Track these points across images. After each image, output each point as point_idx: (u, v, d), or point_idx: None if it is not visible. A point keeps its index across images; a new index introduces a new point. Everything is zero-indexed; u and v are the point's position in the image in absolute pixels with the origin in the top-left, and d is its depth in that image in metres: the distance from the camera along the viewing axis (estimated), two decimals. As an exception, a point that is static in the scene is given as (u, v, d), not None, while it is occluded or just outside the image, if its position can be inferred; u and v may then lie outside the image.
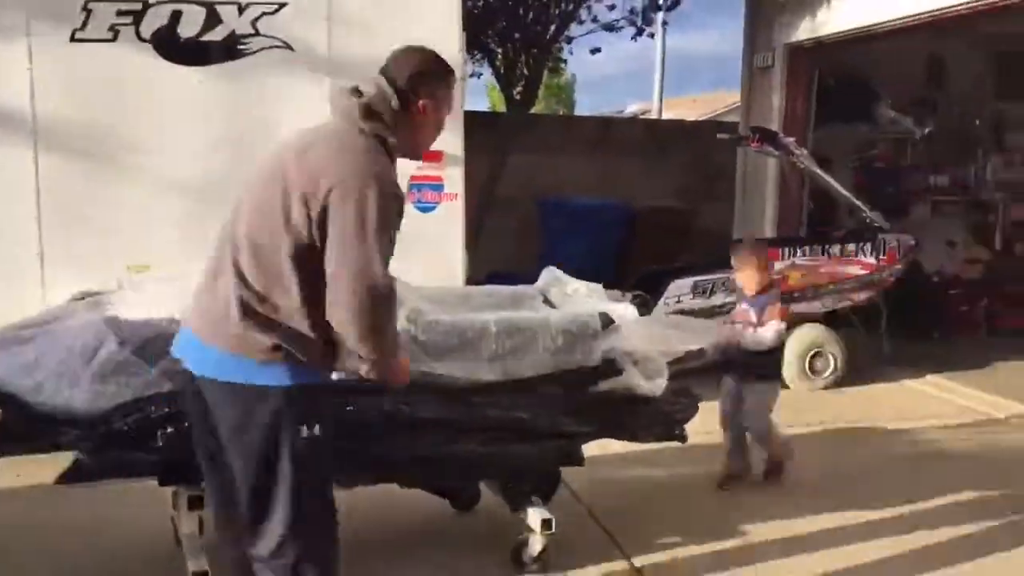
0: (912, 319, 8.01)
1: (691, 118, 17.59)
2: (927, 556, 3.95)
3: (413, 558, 3.84)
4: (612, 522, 4.21)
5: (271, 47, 5.25)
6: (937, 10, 7.05)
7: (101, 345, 3.13)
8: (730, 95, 16.04)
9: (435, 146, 5.48)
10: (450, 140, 5.56)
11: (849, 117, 9.30)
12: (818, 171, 7.35)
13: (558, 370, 3.65)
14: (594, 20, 10.18)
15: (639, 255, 9.41)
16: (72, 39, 4.93)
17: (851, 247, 7.07)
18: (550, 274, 4.29)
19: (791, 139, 7.18)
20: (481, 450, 3.56)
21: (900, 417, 6.17)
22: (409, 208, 5.40)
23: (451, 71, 2.79)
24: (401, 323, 3.45)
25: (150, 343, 3.17)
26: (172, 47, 5.09)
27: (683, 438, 3.92)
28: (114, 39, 5.00)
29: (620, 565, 3.86)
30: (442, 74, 2.74)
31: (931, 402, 6.72)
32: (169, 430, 3.10)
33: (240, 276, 2.50)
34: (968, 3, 6.81)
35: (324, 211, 2.42)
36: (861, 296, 7.12)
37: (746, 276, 4.82)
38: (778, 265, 6.91)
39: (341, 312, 2.42)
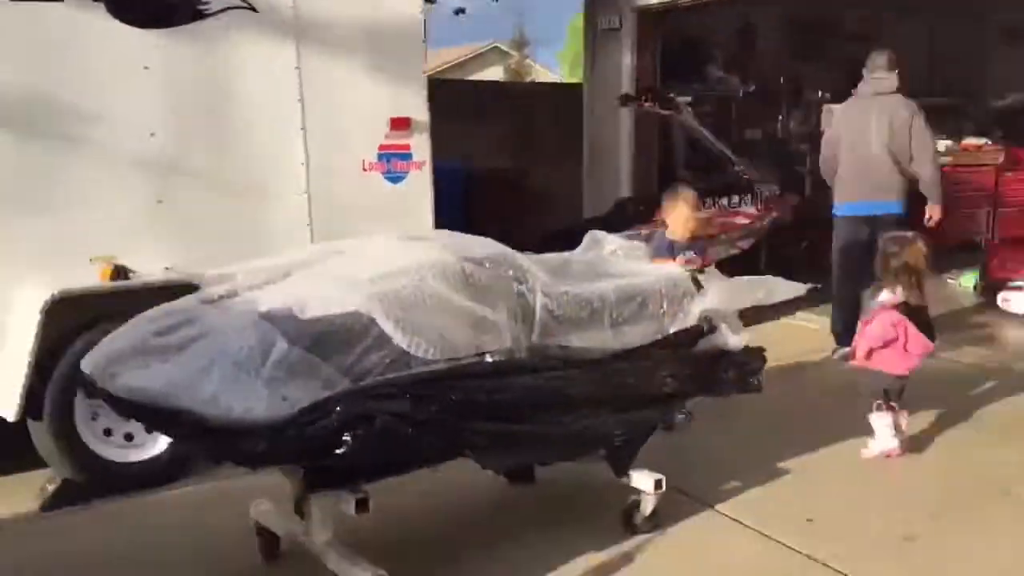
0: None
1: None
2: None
3: (527, 538, 3.79)
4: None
5: (233, 7, 4.77)
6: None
7: (271, 346, 2.80)
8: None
9: (401, 112, 5.46)
10: (415, 105, 5.40)
11: (686, 77, 9.90)
12: (699, 128, 7.81)
13: (669, 332, 3.74)
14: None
15: (478, 216, 9.53)
16: (12, -2, 4.21)
17: (735, 199, 7.61)
18: (591, 237, 4.31)
19: (683, 98, 7.57)
20: (614, 419, 3.57)
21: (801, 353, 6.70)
22: (378, 179, 5.36)
23: None
24: (538, 297, 3.39)
25: (321, 340, 2.89)
26: (126, 7, 4.48)
27: (759, 388, 4.14)
28: (61, -2, 4.33)
29: (709, 514, 4.04)
30: None
31: (812, 335, 7.39)
32: (356, 432, 2.84)
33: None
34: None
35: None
36: (746, 244, 7.70)
37: (680, 221, 4.95)
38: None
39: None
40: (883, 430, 4.55)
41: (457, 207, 9.84)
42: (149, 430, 3.67)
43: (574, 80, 15.75)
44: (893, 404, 4.61)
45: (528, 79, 31.30)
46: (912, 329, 4.55)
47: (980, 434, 5.01)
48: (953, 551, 3.67)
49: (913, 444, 4.80)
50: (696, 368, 3.85)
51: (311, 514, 3.22)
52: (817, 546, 3.70)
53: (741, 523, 3.93)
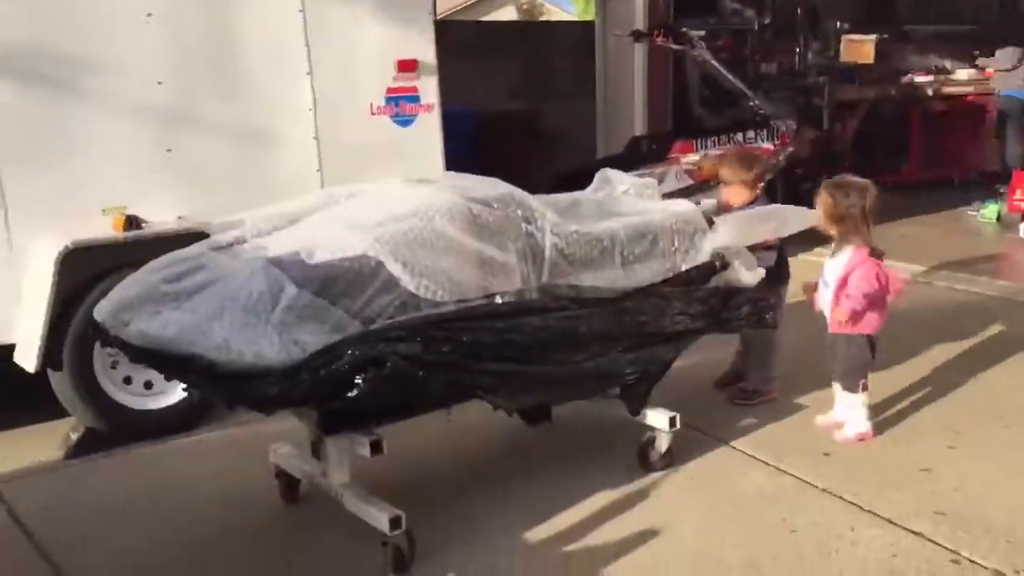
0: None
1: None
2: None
3: (541, 477, 3.82)
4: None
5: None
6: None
7: (280, 291, 2.80)
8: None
9: (408, 54, 5.39)
10: (422, 47, 5.33)
11: (699, 11, 9.69)
12: (713, 63, 7.68)
13: (680, 270, 3.72)
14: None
15: (491, 161, 9.46)
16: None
17: (752, 134, 7.50)
18: (602, 176, 4.26)
19: (696, 33, 7.42)
20: (626, 357, 3.57)
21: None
22: (387, 122, 5.31)
23: None
24: (547, 236, 3.37)
25: (330, 283, 2.88)
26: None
27: (775, 324, 4.12)
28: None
29: (725, 450, 4.05)
30: None
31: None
32: (367, 374, 2.85)
33: None
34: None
35: None
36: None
37: (733, 191, 4.38)
38: (693, 156, 7.26)
39: None
40: (860, 411, 4.10)
41: (468, 150, 9.79)
42: (166, 377, 3.70)
43: (587, 18, 15.52)
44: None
45: (541, 19, 30.83)
46: (892, 273, 4.10)
47: (999, 362, 4.97)
48: (971, 481, 3.67)
49: (934, 373, 4.79)
50: (709, 304, 3.83)
51: (327, 456, 3.25)
52: (834, 479, 3.71)
53: (756, 458, 3.95)
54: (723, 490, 3.70)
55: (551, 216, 3.44)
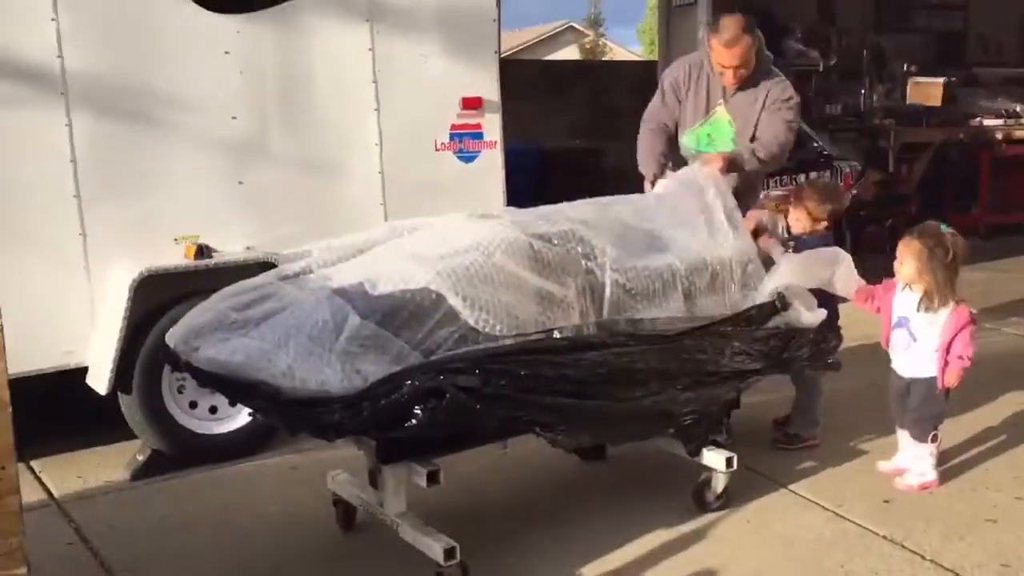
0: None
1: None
2: None
3: (595, 513, 3.82)
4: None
5: (310, -8, 4.85)
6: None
7: (344, 321, 2.87)
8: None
9: (473, 92, 5.49)
10: (486, 85, 5.42)
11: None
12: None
13: (743, 308, 3.72)
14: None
15: (554, 198, 9.53)
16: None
17: (815, 175, 7.46)
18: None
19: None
20: (685, 396, 3.56)
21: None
22: (451, 158, 5.42)
23: None
24: (607, 273, 3.39)
25: (392, 314, 2.95)
26: (207, -7, 4.61)
27: (837, 366, 4.07)
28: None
29: (782, 493, 4.01)
30: None
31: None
32: (426, 405, 2.90)
33: None
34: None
35: None
36: (825, 222, 7.53)
37: (797, 215, 4.40)
38: (756, 197, 7.24)
39: None
40: (928, 460, 4.01)
41: (533, 186, 9.91)
42: (231, 402, 3.79)
43: (653, 58, 15.62)
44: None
45: (604, 58, 31.07)
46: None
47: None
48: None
49: (1004, 422, 4.69)
50: (769, 345, 3.81)
51: (384, 485, 3.30)
52: (896, 526, 3.64)
53: (814, 502, 3.90)
54: (780, 533, 3.66)
55: (611, 252, 3.47)
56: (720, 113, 4.49)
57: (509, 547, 3.53)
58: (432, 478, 3.12)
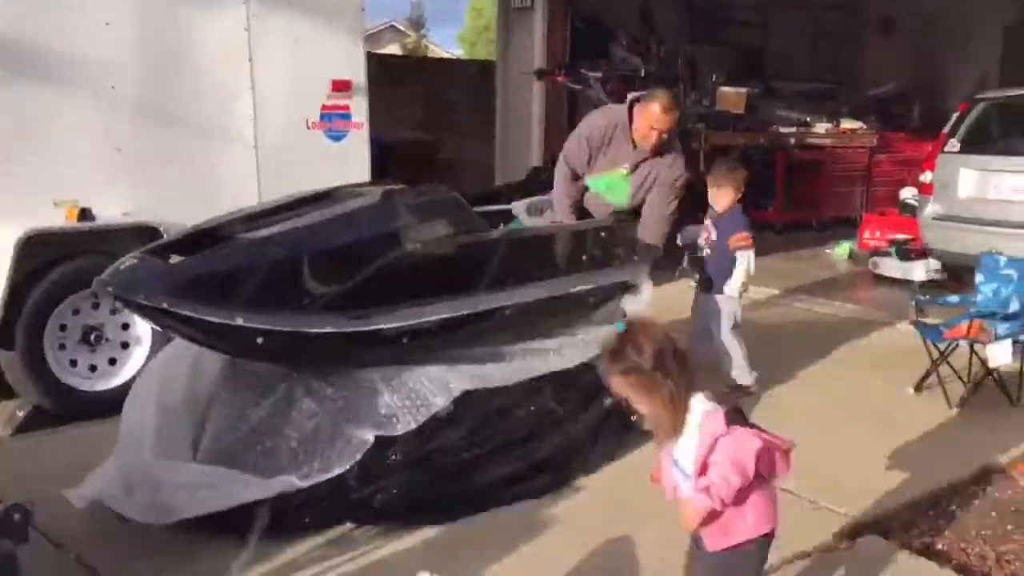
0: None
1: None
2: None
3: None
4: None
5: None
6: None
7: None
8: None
9: (342, 75, 5.88)
10: (354, 69, 5.83)
11: (590, 55, 10.52)
12: (606, 101, 8.40)
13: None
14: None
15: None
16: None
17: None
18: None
19: (593, 74, 8.16)
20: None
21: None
22: (321, 136, 5.78)
23: None
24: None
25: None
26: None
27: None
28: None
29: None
30: None
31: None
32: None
33: None
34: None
35: None
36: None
37: (720, 194, 5.13)
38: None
39: None
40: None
41: (370, 176, 10.26)
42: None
43: (475, 58, 16.24)
44: None
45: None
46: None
47: (857, 367, 5.83)
48: (823, 455, 4.35)
49: (801, 378, 5.56)
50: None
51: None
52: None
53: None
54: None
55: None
56: (623, 173, 4.81)
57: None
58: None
